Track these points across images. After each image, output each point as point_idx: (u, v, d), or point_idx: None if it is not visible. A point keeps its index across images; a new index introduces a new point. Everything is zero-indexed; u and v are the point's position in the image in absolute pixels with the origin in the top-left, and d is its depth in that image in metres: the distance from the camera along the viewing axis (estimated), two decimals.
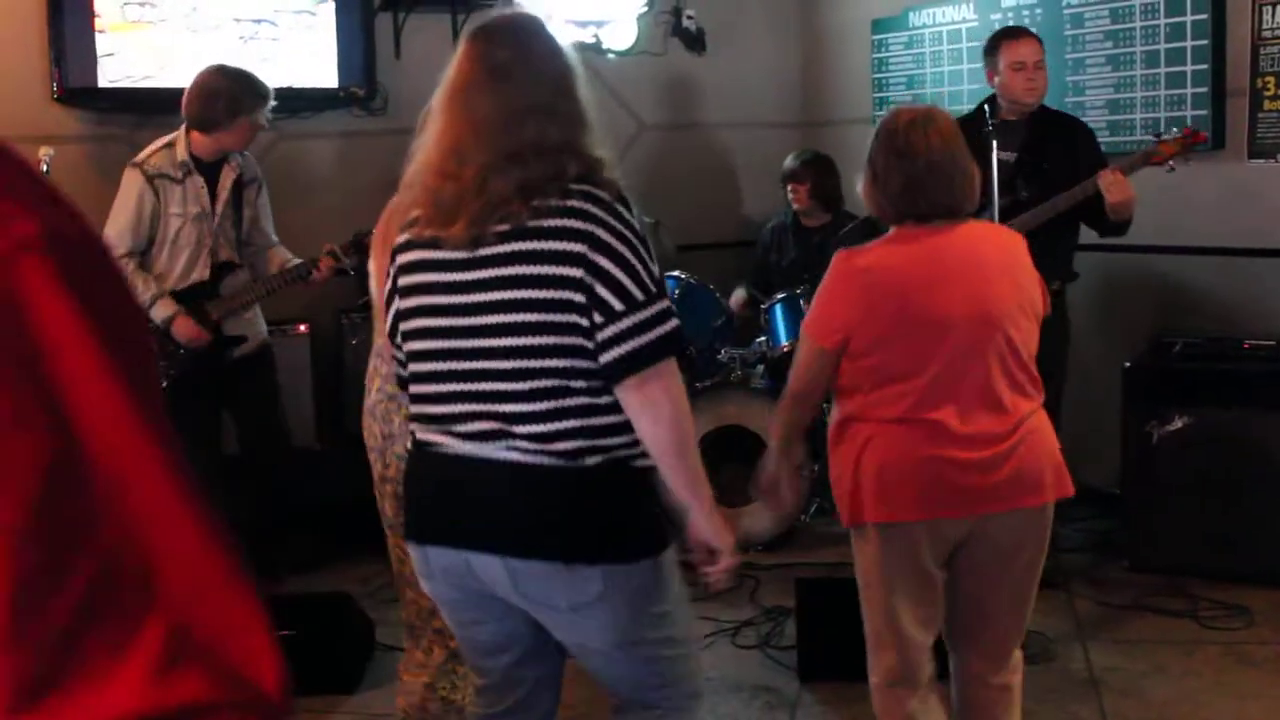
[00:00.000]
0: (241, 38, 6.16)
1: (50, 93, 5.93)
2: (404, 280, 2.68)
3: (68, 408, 0.86)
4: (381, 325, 3.45)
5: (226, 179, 5.23)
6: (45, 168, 4.74)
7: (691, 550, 2.72)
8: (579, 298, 2.48)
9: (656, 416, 2.52)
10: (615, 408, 2.54)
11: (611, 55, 7.00)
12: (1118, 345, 5.75)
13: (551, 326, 2.50)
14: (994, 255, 3.25)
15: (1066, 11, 6.21)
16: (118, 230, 5.03)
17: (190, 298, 5.16)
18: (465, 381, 2.59)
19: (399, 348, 2.76)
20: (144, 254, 5.12)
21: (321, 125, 6.56)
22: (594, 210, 2.51)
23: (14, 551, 0.84)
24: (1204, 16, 5.64)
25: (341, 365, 6.21)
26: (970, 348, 3.13)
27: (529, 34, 2.69)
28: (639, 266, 2.51)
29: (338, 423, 6.20)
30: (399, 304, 2.70)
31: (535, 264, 2.50)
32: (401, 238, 2.70)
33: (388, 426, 3.57)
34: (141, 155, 5.16)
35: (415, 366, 2.69)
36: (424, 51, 6.70)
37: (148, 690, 0.85)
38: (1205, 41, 5.65)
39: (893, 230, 3.27)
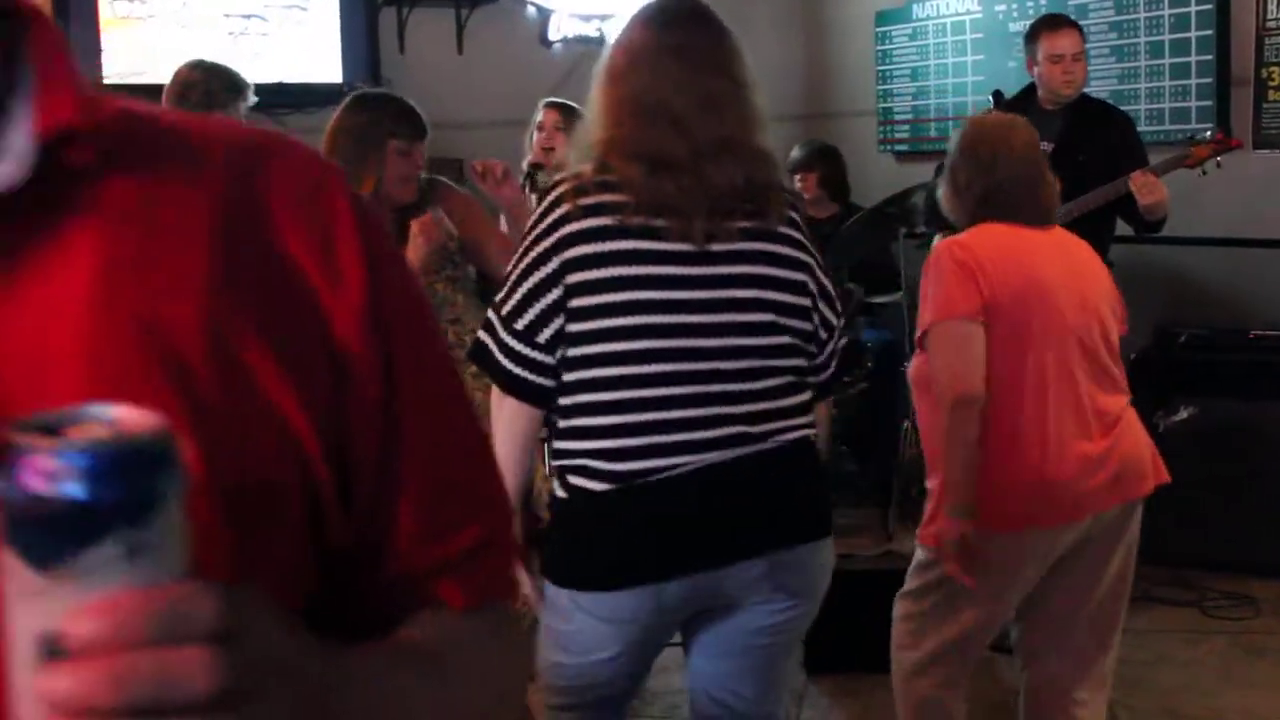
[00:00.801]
0: (232, 33, 6.17)
1: None
2: (599, 273, 2.34)
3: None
4: None
5: None
6: None
7: None
8: (807, 302, 2.49)
9: (823, 418, 2.65)
10: (810, 384, 2.55)
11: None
12: (1123, 336, 5.75)
13: (790, 330, 2.46)
14: (1085, 255, 3.28)
15: (1070, 3, 6.20)
16: None
17: None
18: (700, 383, 2.37)
19: (563, 349, 2.38)
20: None
21: (325, 120, 6.54)
22: (798, 219, 2.52)
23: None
24: (1208, 6, 5.63)
25: None
26: (1071, 330, 3.09)
27: (712, 18, 2.53)
28: (831, 290, 2.59)
29: None
30: (583, 300, 2.34)
31: (776, 267, 2.45)
32: (585, 223, 2.35)
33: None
34: None
35: (616, 370, 2.36)
36: (428, 46, 6.71)
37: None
38: (1210, 31, 5.65)
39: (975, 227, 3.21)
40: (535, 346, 2.36)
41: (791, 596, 2.51)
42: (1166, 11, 5.81)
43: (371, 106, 3.72)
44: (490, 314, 2.43)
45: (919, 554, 3.30)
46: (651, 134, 2.37)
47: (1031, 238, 3.16)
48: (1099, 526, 3.14)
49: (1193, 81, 5.75)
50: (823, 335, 2.52)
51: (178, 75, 5.12)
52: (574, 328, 2.35)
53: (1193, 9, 5.70)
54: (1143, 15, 5.91)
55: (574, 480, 2.39)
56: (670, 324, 2.35)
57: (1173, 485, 5.16)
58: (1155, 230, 5.02)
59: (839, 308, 2.58)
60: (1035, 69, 5.13)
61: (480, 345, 2.43)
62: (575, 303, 2.34)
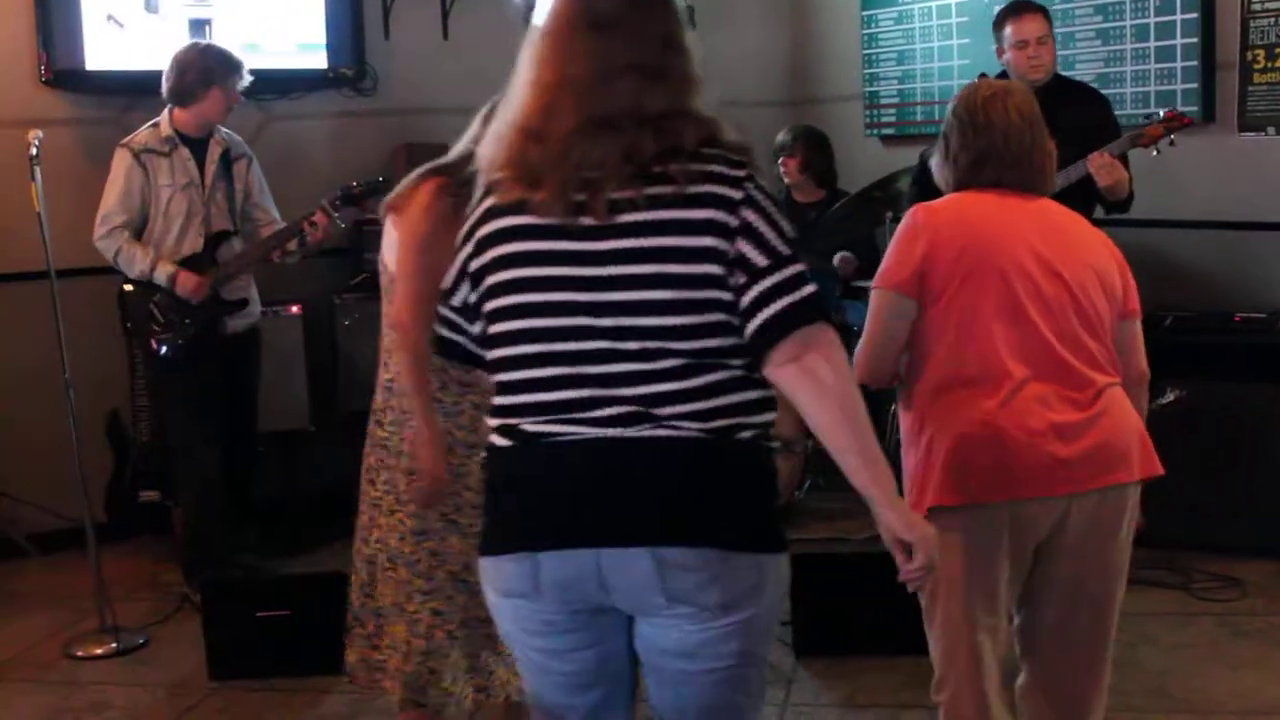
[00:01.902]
0: (214, 19, 6.15)
1: (38, 75, 5.92)
2: (495, 251, 2.31)
3: None
4: (410, 296, 3.31)
5: (214, 152, 5.40)
6: (35, 151, 4.75)
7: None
8: (720, 270, 2.22)
9: (820, 390, 2.24)
10: (761, 381, 2.28)
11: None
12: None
13: (694, 304, 2.22)
14: (1071, 227, 3.15)
15: None
16: (109, 206, 5.26)
17: (187, 267, 5.29)
18: (589, 363, 2.25)
19: (477, 326, 2.40)
20: (141, 230, 5.30)
21: (311, 106, 6.55)
22: (733, 174, 2.25)
23: None
24: None
25: (335, 346, 6.21)
26: (1037, 301, 2.96)
27: None
28: (783, 225, 2.26)
29: (331, 404, 6.20)
30: (489, 279, 2.33)
31: (674, 235, 2.22)
32: (485, 203, 2.34)
33: (408, 401, 3.47)
34: (129, 137, 5.34)
35: (512, 349, 2.32)
36: (413, 32, 6.70)
37: None
38: (1195, 15, 5.65)
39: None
40: (462, 315, 2.42)
41: (699, 611, 2.26)
42: None
43: None
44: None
45: None
46: (545, 106, 2.28)
47: (1009, 204, 3.07)
48: (1081, 515, 2.99)
49: (1178, 64, 5.75)
50: (740, 279, 2.22)
51: (176, 56, 5.30)
52: (485, 307, 2.35)
53: None
54: None
55: (490, 437, 2.38)
56: (551, 302, 2.26)
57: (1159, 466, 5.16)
58: (1121, 210, 5.05)
59: (781, 254, 2.24)
60: (1004, 56, 5.20)
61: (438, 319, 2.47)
62: (481, 285, 2.35)
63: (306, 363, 6.15)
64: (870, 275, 3.15)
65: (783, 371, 2.24)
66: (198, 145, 5.35)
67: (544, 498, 2.31)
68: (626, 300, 2.23)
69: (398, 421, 3.51)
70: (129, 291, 5.34)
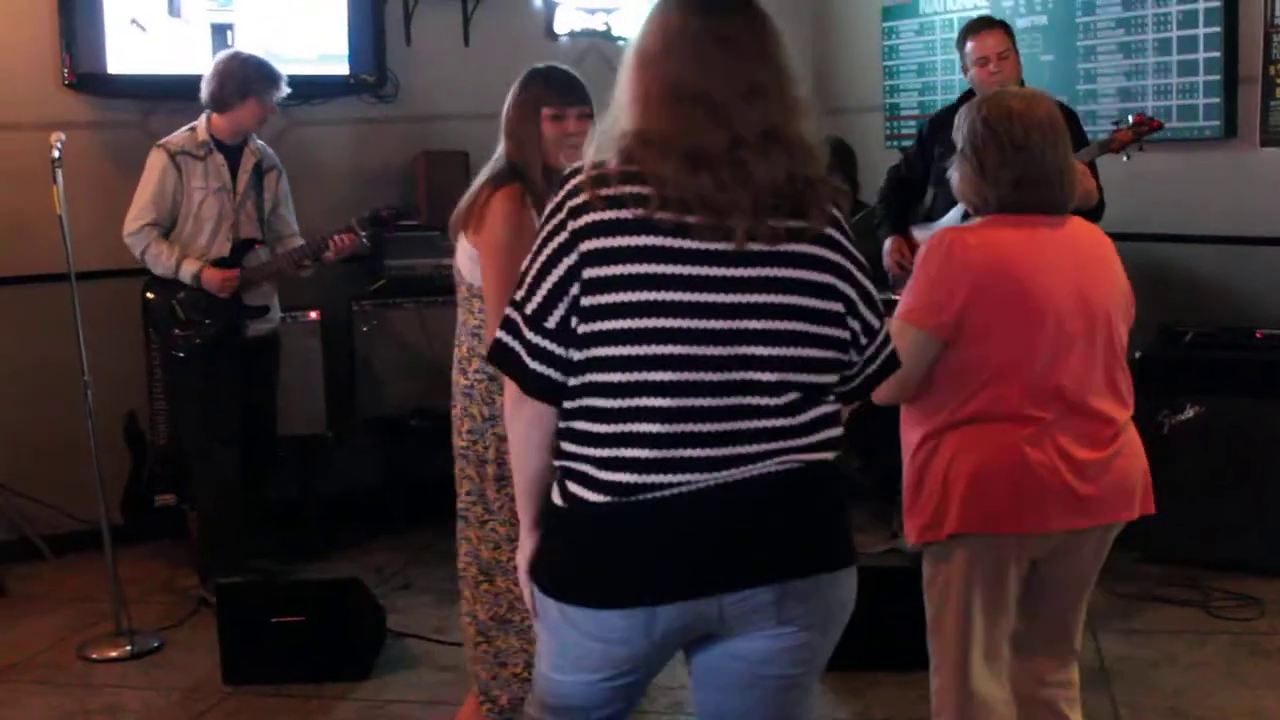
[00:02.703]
0: (236, 25, 6.16)
1: (60, 78, 5.94)
2: (616, 269, 2.18)
3: None
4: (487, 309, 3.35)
5: (248, 161, 5.44)
6: (57, 154, 4.77)
7: None
8: (841, 309, 2.27)
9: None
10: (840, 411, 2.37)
11: (621, 42, 6.98)
12: (1130, 334, 5.73)
13: (818, 339, 2.24)
14: (1097, 251, 3.14)
15: (1078, 0, 6.19)
16: (142, 203, 5.30)
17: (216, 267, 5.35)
18: (719, 395, 2.19)
19: (573, 351, 2.23)
20: (170, 230, 5.33)
21: (332, 112, 6.56)
22: (839, 216, 2.30)
23: None
24: (1216, 4, 5.61)
25: (353, 353, 6.21)
26: (1073, 342, 2.96)
27: (756, 7, 2.36)
28: (871, 289, 2.36)
29: (349, 410, 6.21)
30: (597, 299, 2.18)
31: (815, 270, 2.24)
32: (605, 215, 2.19)
33: (489, 408, 3.48)
34: (166, 138, 5.39)
35: (626, 375, 2.20)
36: (434, 38, 6.71)
37: None
38: (1217, 29, 5.63)
39: (991, 216, 3.06)
40: (560, 343, 2.21)
41: (803, 629, 2.30)
42: (1174, 8, 5.79)
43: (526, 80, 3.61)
44: (511, 312, 2.26)
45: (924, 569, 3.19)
46: (688, 125, 2.21)
47: (1043, 237, 3.02)
48: (1080, 547, 3.05)
49: (1200, 79, 5.73)
50: (863, 341, 2.33)
51: (217, 64, 5.36)
52: (585, 328, 2.19)
53: (1200, 6, 5.68)
54: (1150, 12, 5.90)
55: (572, 487, 2.24)
56: (692, 329, 2.17)
57: (1178, 484, 5.19)
58: (1092, 220, 5.00)
59: (881, 311, 2.37)
60: (968, 73, 5.24)
61: (502, 347, 2.26)
62: (588, 300, 2.18)
63: (324, 368, 6.15)
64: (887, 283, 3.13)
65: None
66: (232, 152, 5.40)
67: (662, 553, 2.23)
68: (759, 329, 2.20)
69: (477, 431, 3.51)
70: (152, 289, 5.37)
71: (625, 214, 2.18)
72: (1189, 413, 5.23)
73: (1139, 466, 3.08)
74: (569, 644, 2.33)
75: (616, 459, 2.20)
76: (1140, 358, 5.41)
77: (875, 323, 2.34)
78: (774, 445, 2.22)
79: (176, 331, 5.33)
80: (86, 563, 5.59)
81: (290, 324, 5.90)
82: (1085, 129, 5.26)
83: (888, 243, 5.46)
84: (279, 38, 6.20)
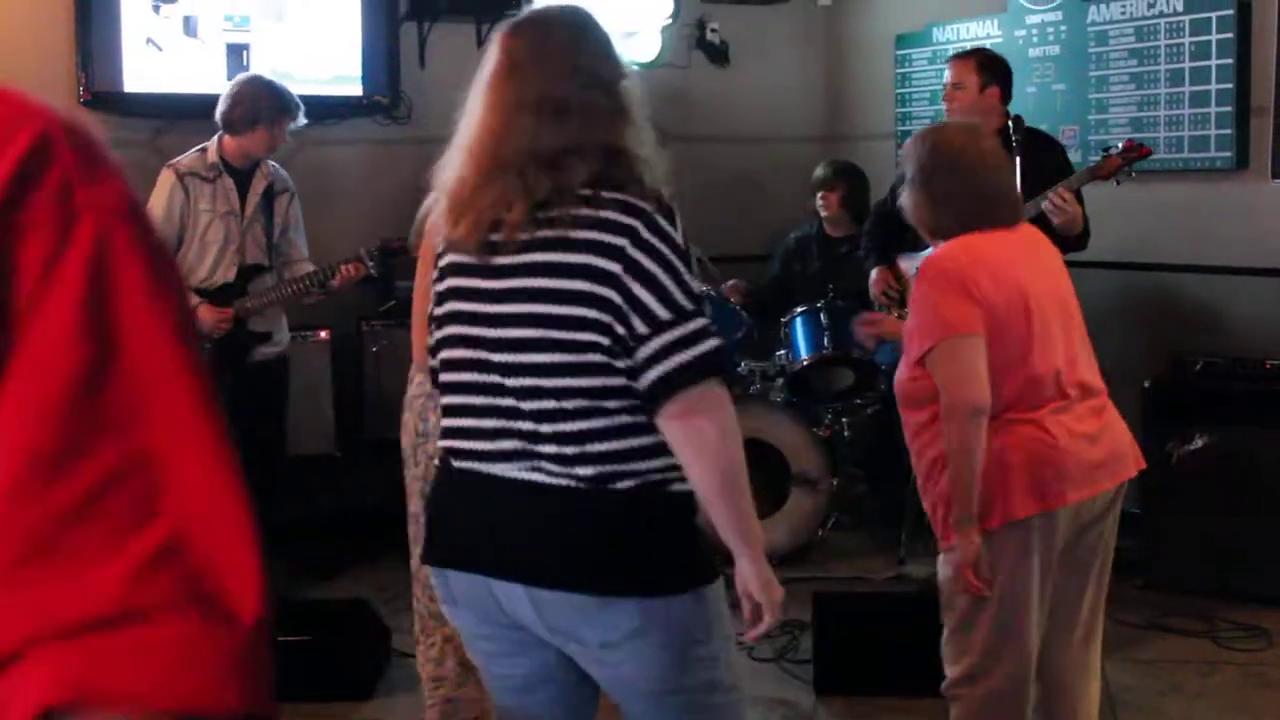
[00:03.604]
0: (251, 45, 6.19)
1: (76, 96, 5.97)
2: (439, 285, 2.50)
3: (116, 324, 0.96)
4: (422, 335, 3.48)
5: (258, 185, 5.42)
6: None
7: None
8: (603, 316, 2.26)
9: (700, 450, 2.27)
10: (652, 427, 2.31)
11: (635, 67, 7.00)
12: (1138, 364, 5.73)
13: (570, 345, 2.28)
14: (1044, 246, 3.41)
15: (1090, 29, 6.21)
16: None
17: (216, 296, 5.29)
18: (490, 395, 2.37)
19: (433, 355, 2.55)
20: (175, 252, 5.29)
21: (346, 133, 6.59)
22: (626, 221, 2.28)
23: (33, 429, 0.92)
24: (1229, 35, 5.63)
25: (362, 372, 6.22)
26: (1055, 324, 3.21)
27: (551, 24, 2.47)
28: (671, 283, 2.26)
29: (357, 429, 6.22)
30: (434, 308, 2.52)
31: (556, 277, 2.28)
32: (440, 239, 2.51)
33: (423, 424, 3.56)
34: (176, 159, 5.38)
35: (445, 376, 2.49)
36: (448, 60, 6.72)
37: (122, 591, 0.90)
38: (1230, 60, 5.64)
39: (957, 237, 3.26)
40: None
41: (583, 648, 2.37)
42: (1187, 40, 5.81)
43: None
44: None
45: (945, 570, 3.29)
46: (464, 146, 2.42)
47: (1008, 242, 3.26)
48: (1089, 513, 3.25)
49: (1212, 110, 5.74)
50: (640, 330, 2.25)
51: (233, 85, 5.34)
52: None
53: (1213, 37, 5.70)
54: (1163, 43, 5.91)
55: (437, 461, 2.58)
56: (465, 335, 2.41)
57: (1187, 514, 5.17)
58: (1077, 248, 5.02)
59: (683, 308, 2.26)
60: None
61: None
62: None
63: (334, 388, 6.16)
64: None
65: (668, 426, 2.28)
66: (243, 175, 5.37)
67: (455, 523, 2.48)
68: (511, 338, 2.33)
69: (410, 445, 3.58)
70: None
71: (444, 236, 2.49)
72: (1198, 442, 5.22)
73: (1124, 427, 3.39)
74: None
75: (447, 428, 2.49)
76: (1149, 387, 5.41)
77: (661, 313, 2.25)
78: (544, 449, 2.32)
79: None
80: None
81: (300, 343, 5.91)
82: (1092, 160, 5.29)
83: (874, 273, 5.52)
84: (294, 58, 6.23)
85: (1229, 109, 5.67)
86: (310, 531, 6.08)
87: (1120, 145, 5.01)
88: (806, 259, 6.66)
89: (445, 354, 2.47)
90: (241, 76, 5.42)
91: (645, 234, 2.28)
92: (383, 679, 4.70)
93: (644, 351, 2.25)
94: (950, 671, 3.30)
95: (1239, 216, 5.70)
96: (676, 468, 2.34)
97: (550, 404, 2.30)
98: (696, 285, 2.32)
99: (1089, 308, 5.24)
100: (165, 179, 5.30)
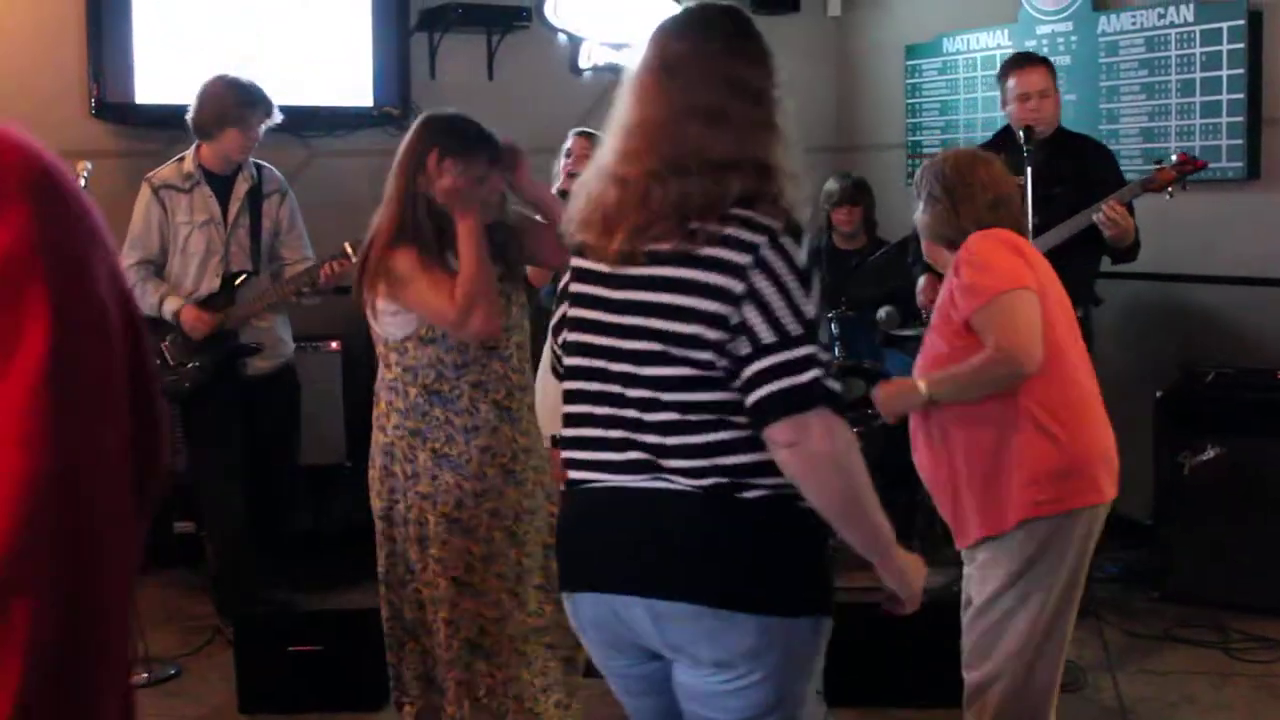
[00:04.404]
0: (262, 55, 6.20)
1: (88, 108, 5.99)
2: (572, 288, 2.45)
3: None
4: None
5: (239, 188, 5.28)
6: (83, 182, 4.78)
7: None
8: (715, 334, 2.21)
9: (807, 477, 2.20)
10: None
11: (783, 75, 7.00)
12: (1149, 374, 5.72)
13: (690, 361, 2.23)
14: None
15: (1101, 39, 6.20)
16: (129, 241, 5.20)
17: (204, 309, 5.18)
18: (615, 406, 2.31)
19: (559, 360, 2.54)
20: (161, 266, 5.23)
21: (356, 144, 6.60)
22: (749, 239, 2.21)
23: None
24: (1240, 45, 5.62)
25: (373, 382, 6.20)
26: (1073, 321, 3.38)
27: (711, 25, 2.37)
28: (783, 306, 2.18)
29: (368, 440, 6.19)
30: (564, 310, 2.48)
31: (678, 293, 2.23)
32: (574, 240, 2.42)
33: (410, 465, 3.57)
34: (154, 171, 5.29)
35: (568, 385, 2.44)
36: (459, 71, 6.74)
37: None
38: (1241, 70, 5.64)
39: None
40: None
41: (696, 664, 2.29)
42: (1198, 49, 5.80)
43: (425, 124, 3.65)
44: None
45: (975, 566, 3.34)
46: (619, 150, 2.33)
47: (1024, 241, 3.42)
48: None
49: (1223, 120, 5.73)
50: (744, 350, 2.20)
51: (199, 90, 5.21)
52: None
53: (1224, 47, 5.69)
54: (1174, 53, 5.91)
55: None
56: (587, 344, 2.37)
57: (1199, 524, 5.16)
58: (1127, 259, 5.01)
59: (790, 334, 2.18)
60: (1006, 107, 5.21)
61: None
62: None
63: (344, 398, 6.16)
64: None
65: (780, 454, 2.19)
66: (223, 181, 5.24)
67: (579, 543, 2.43)
68: (632, 349, 2.29)
69: (400, 490, 3.68)
70: None
71: (578, 238, 2.41)
72: (1209, 453, 5.20)
73: None
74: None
75: (570, 458, 2.43)
76: (1161, 397, 5.40)
77: (767, 337, 2.18)
78: (664, 462, 2.26)
79: (169, 378, 5.13)
80: None
81: (311, 354, 5.91)
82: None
83: (921, 280, 5.40)
84: (304, 68, 6.24)
85: (1240, 119, 5.66)
86: (321, 542, 6.08)
87: (1174, 158, 4.98)
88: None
89: (571, 360, 2.44)
90: (207, 79, 5.25)
91: (767, 252, 2.20)
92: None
93: (746, 373, 2.20)
94: (981, 671, 3.31)
95: (1251, 227, 5.69)
96: None
97: (674, 416, 2.25)
98: (813, 309, 2.22)
99: (1100, 318, 5.26)
100: (142, 194, 5.21)
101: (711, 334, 2.21)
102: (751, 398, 2.19)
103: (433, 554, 3.56)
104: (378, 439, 3.67)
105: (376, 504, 3.67)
